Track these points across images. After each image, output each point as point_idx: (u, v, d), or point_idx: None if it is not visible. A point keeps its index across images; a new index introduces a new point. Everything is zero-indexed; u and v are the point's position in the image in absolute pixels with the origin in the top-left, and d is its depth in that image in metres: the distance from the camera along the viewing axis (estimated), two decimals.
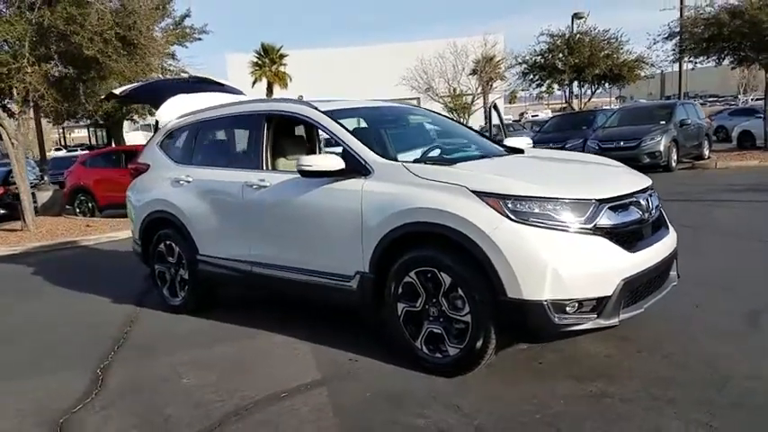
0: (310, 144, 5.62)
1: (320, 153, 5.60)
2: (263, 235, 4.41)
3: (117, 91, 6.03)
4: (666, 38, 16.36)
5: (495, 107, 5.63)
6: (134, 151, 14.36)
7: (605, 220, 3.26)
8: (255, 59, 41.01)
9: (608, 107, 37.16)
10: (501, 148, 4.70)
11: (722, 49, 15.08)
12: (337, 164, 3.81)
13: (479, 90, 25.50)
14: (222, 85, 6.55)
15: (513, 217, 3.17)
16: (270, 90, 39.66)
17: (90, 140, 48.17)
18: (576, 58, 20.82)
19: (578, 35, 21.60)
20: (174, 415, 3.26)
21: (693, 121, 15.33)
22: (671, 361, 3.50)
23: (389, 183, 3.64)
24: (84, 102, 12.83)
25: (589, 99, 24.25)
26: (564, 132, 16.62)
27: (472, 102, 25.66)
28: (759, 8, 13.40)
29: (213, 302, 5.24)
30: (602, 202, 3.28)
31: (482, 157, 4.28)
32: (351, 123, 4.41)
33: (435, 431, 2.90)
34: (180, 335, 4.70)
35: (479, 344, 3.30)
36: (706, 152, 15.96)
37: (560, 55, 21.52)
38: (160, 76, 14.20)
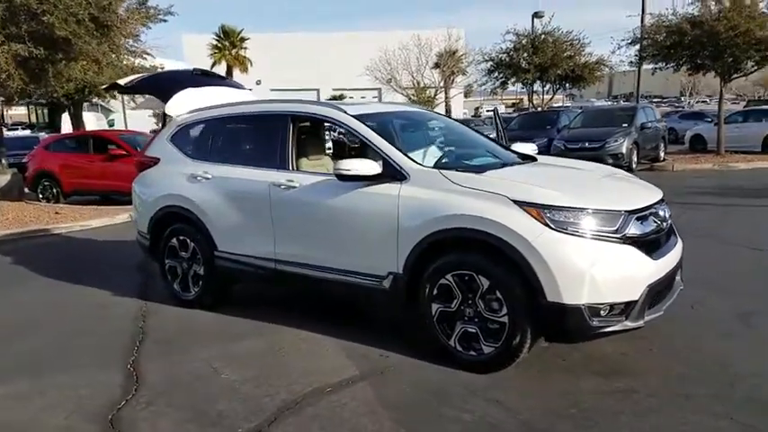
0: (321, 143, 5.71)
1: (327, 153, 5.71)
2: (290, 234, 4.51)
3: (122, 82, 5.97)
4: (630, 43, 17.12)
5: (496, 112, 5.85)
6: (101, 137, 14.09)
7: (633, 229, 3.54)
8: (215, 42, 40.19)
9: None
10: (514, 155, 4.94)
11: (681, 56, 15.87)
12: (374, 169, 3.95)
13: (441, 84, 25.81)
14: (224, 78, 6.56)
15: (552, 226, 3.41)
16: (229, 74, 38.91)
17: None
18: (540, 58, 21.43)
19: (543, 35, 22.21)
20: (227, 410, 3.36)
21: (652, 124, 16.10)
22: (682, 359, 3.83)
23: (427, 189, 3.81)
24: (53, 84, 12.38)
25: (551, 98, 24.94)
26: (529, 131, 17.04)
27: (435, 95, 25.94)
28: (717, 19, 14.18)
29: (226, 298, 5.29)
30: (630, 213, 3.56)
31: (503, 165, 4.49)
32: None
33: (486, 425, 3.12)
34: (200, 330, 4.75)
35: (515, 342, 3.53)
36: (662, 154, 16.78)
37: (525, 54, 22.08)
38: (130, 58, 13.86)
